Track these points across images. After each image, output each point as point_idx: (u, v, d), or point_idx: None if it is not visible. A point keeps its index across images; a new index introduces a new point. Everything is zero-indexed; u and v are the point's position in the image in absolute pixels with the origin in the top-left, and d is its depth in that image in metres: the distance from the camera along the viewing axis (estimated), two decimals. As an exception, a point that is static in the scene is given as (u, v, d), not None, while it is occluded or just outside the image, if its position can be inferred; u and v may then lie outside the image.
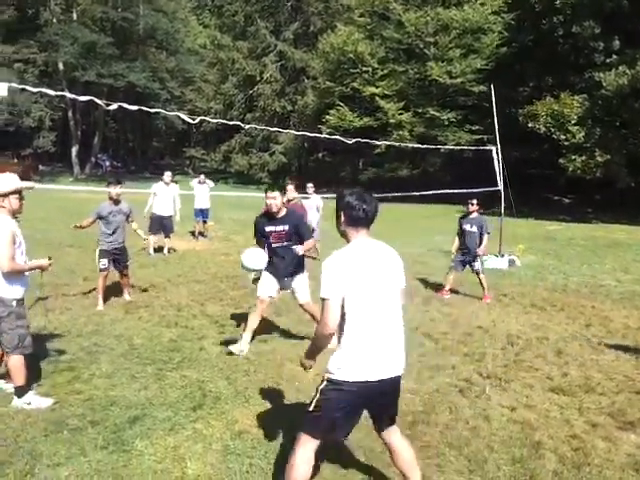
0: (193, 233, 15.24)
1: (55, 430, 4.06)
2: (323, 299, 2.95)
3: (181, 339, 6.35)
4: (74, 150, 41.51)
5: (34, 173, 33.73)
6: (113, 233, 7.95)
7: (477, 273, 8.85)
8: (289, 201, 8.46)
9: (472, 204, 8.93)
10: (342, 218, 3.18)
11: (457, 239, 9.06)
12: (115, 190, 7.91)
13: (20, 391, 4.39)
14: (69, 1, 40.78)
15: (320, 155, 40.10)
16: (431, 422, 4.39)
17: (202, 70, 44.67)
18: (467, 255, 8.87)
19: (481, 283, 8.80)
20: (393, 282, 3.16)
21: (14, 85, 6.06)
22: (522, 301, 8.81)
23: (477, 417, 4.49)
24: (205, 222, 15.19)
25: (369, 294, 3.02)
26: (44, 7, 40.36)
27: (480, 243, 8.77)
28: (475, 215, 8.93)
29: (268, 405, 4.64)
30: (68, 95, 7.67)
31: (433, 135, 29.49)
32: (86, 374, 5.17)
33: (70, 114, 41.23)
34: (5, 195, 4.38)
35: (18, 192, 4.46)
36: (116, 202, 7.96)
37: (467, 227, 8.87)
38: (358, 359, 2.99)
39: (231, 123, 10.42)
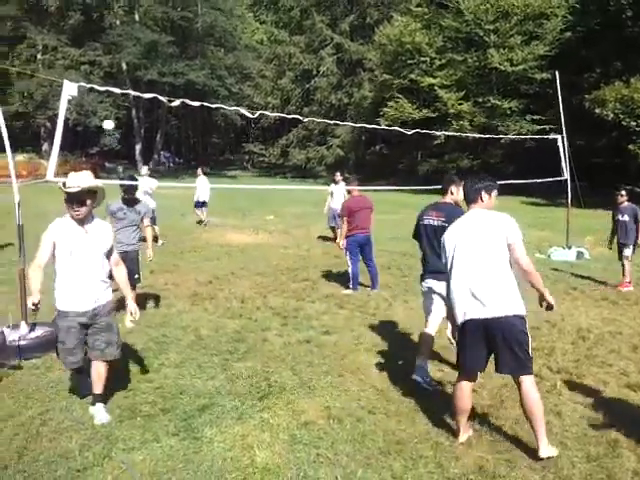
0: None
1: (129, 416, 4.21)
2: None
3: (245, 330, 6.45)
4: (138, 147, 42.89)
5: (101, 170, 35.08)
6: (120, 233, 6.64)
7: (625, 259, 8.96)
8: (348, 192, 8.48)
9: (621, 195, 9.14)
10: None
11: (612, 233, 9.31)
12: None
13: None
14: (131, 3, 41.99)
15: (377, 148, 39.86)
16: (500, 417, 4.29)
17: (259, 66, 45.15)
18: (621, 245, 9.06)
19: (624, 270, 8.94)
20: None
21: (83, 85, 6.30)
22: (592, 294, 8.49)
23: (548, 413, 4.34)
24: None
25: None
26: (108, 10, 41.75)
27: (632, 231, 8.92)
28: (626, 204, 9.07)
29: (333, 396, 4.64)
30: (133, 93, 7.80)
31: (494, 125, 28.76)
32: (156, 364, 5.32)
33: (134, 113, 42.58)
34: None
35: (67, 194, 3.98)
36: (131, 201, 6.84)
37: (620, 217, 9.06)
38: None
39: (290, 116, 10.51)
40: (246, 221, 17.22)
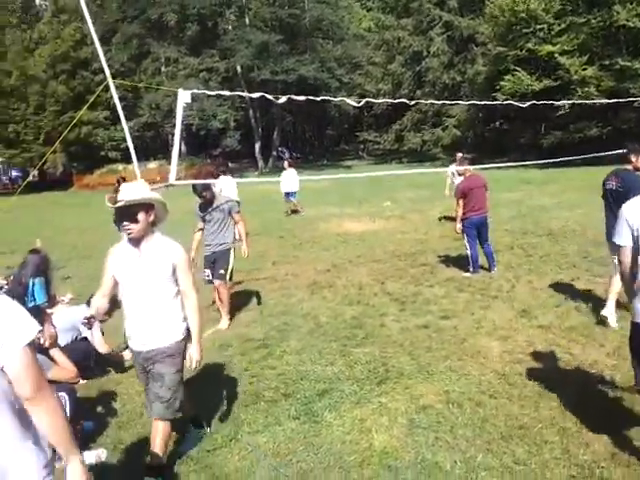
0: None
1: (253, 401, 4.43)
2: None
3: (363, 316, 6.50)
4: (257, 146, 44.57)
5: (226, 170, 36.85)
6: (210, 235, 6.58)
7: None
8: (459, 174, 8.23)
9: None
10: None
11: None
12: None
13: None
14: (241, 8, 43.57)
15: (497, 124, 38.18)
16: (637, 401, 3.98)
17: (369, 53, 44.97)
18: None
19: None
20: None
21: (195, 92, 6.67)
22: None
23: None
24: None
25: None
26: (221, 17, 43.65)
27: None
28: None
29: (452, 380, 4.57)
30: (244, 95, 8.09)
31: (625, 88, 26.39)
32: (278, 351, 5.54)
33: (251, 113, 44.24)
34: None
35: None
36: (208, 201, 6.54)
37: None
38: None
39: (396, 101, 10.36)
40: (363, 209, 17.28)
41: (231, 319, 6.64)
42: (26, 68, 36.21)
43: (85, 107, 7.84)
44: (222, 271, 6.49)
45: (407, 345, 5.46)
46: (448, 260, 9.38)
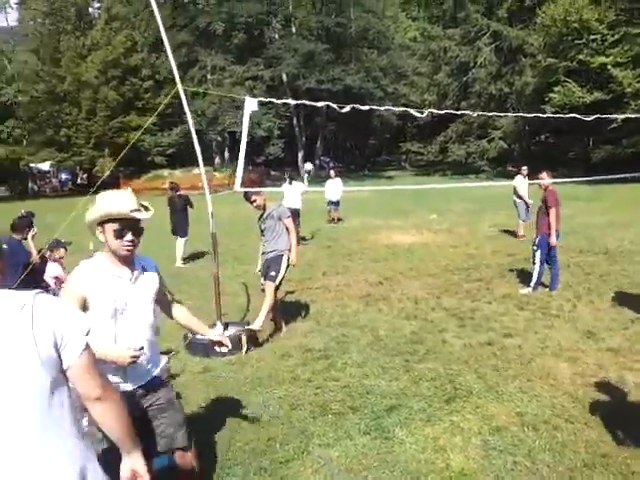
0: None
1: (321, 413, 4.40)
2: None
3: (422, 331, 6.42)
4: (300, 155, 44.88)
5: (267, 178, 37.21)
6: (265, 242, 6.51)
7: None
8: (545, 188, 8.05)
9: None
10: None
11: None
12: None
13: None
14: (288, 17, 44.02)
15: (543, 137, 37.59)
16: None
17: (414, 64, 44.89)
18: None
19: None
20: None
21: (262, 99, 6.73)
22: None
23: None
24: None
25: None
26: (267, 26, 44.18)
27: None
28: None
29: (524, 402, 4.45)
30: (306, 103, 7.91)
31: (681, 102, 25.70)
32: (339, 362, 5.50)
33: (295, 122, 44.58)
34: (100, 224, 2.68)
35: (118, 220, 2.64)
36: (261, 208, 6.46)
37: None
38: None
39: (442, 112, 10.28)
40: (409, 221, 17.16)
41: (280, 329, 6.60)
42: (79, 74, 37.26)
43: (155, 114, 8.01)
44: (273, 273, 6.34)
45: (472, 363, 5.35)
46: (503, 276, 9.22)
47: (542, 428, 3.99)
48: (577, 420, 4.11)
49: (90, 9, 44.56)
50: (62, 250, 6.49)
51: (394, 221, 17.16)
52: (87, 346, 1.74)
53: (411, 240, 13.54)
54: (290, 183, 13.45)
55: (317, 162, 45.89)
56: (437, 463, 3.63)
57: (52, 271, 6.33)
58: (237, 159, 5.89)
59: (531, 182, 8.74)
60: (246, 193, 6.42)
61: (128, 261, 2.76)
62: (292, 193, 13.09)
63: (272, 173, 42.87)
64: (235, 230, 14.76)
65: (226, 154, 44.72)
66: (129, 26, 41.47)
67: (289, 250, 6.46)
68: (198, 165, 6.01)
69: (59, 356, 1.67)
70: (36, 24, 41.33)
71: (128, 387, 2.77)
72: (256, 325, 6.31)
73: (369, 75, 42.07)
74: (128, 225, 2.66)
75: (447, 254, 11.50)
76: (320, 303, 7.88)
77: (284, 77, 42.76)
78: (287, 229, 6.46)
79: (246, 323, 6.57)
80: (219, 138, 42.60)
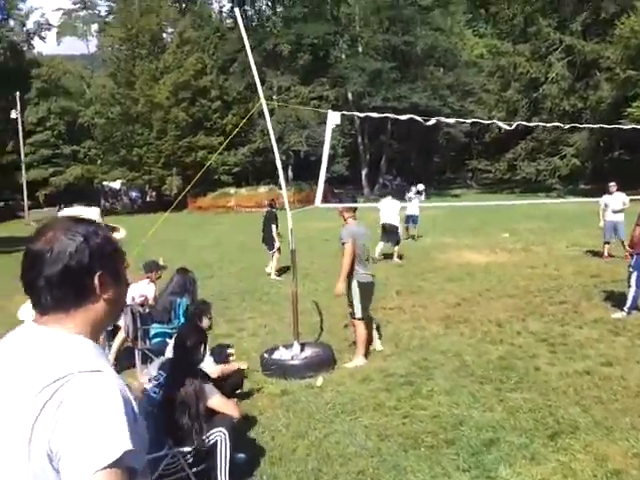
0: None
1: (412, 446, 4.07)
2: None
3: (511, 357, 5.99)
4: (364, 172, 44.66)
5: (332, 196, 37.19)
6: (367, 260, 6.17)
7: None
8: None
9: None
10: None
11: None
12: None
13: None
14: (354, 36, 44.23)
15: (616, 154, 35.89)
16: None
17: (482, 80, 43.99)
18: None
19: None
20: None
21: (345, 113, 6.57)
22: None
23: None
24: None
25: None
26: (333, 46, 44.52)
27: None
28: None
29: (639, 441, 3.98)
30: (389, 116, 7.50)
31: None
32: (424, 389, 5.16)
33: (359, 140, 44.50)
34: None
35: None
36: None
37: None
38: None
39: (531, 124, 9.78)
40: (480, 239, 16.56)
41: (366, 353, 6.27)
42: (152, 96, 38.60)
43: (235, 131, 8.06)
44: (350, 310, 5.97)
45: (571, 393, 4.90)
46: (590, 298, 8.64)
47: (668, 474, 3.53)
48: None
49: (164, 34, 46.29)
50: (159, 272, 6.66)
51: (464, 240, 16.60)
52: (101, 475, 1.01)
53: (486, 260, 12.99)
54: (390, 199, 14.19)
55: (381, 180, 45.61)
56: (550, 509, 3.25)
57: (145, 290, 6.38)
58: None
59: (633, 198, 8.14)
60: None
61: None
62: (390, 210, 13.35)
63: (335, 191, 42.88)
64: (304, 247, 14.64)
65: (290, 173, 45.13)
66: (199, 49, 42.71)
67: (353, 275, 5.89)
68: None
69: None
70: (114, 50, 43.23)
71: None
72: (352, 364, 5.89)
73: (435, 93, 41.52)
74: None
75: (526, 274, 10.93)
76: (396, 325, 7.57)
77: (349, 96, 42.83)
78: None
79: (321, 344, 6.34)
80: (284, 157, 43.04)
